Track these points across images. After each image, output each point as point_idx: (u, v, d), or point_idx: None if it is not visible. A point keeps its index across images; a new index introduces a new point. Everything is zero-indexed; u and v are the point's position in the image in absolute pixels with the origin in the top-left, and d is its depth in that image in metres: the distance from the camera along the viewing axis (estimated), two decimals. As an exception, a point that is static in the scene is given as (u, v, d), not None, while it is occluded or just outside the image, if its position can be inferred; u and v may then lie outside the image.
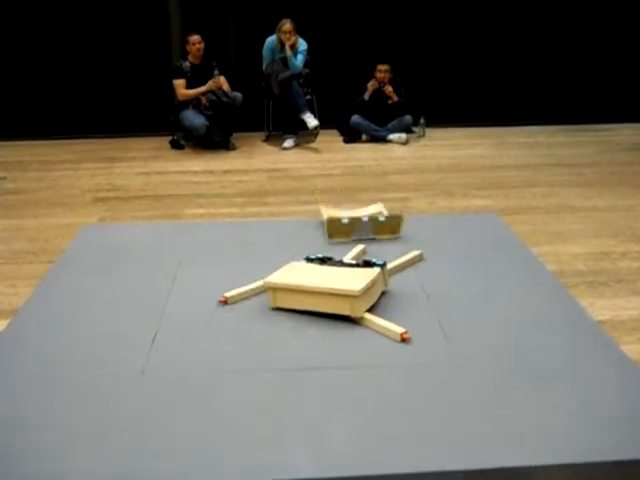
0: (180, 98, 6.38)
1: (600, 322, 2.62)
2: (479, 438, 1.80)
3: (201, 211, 4.50)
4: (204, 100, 6.30)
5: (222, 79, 6.36)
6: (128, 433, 1.81)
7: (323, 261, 2.66)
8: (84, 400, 1.96)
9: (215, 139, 6.40)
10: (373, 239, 3.22)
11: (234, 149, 6.39)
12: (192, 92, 6.34)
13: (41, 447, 1.75)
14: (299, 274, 2.52)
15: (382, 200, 4.37)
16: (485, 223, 3.58)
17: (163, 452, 1.73)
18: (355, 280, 2.39)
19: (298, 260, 2.70)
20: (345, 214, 3.35)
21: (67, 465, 1.69)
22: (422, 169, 5.60)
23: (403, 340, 2.22)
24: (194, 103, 6.36)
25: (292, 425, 1.84)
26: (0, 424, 1.86)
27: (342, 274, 2.50)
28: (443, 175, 5.39)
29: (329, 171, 5.58)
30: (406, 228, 3.33)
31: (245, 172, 5.59)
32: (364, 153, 6.26)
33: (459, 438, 1.79)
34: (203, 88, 6.30)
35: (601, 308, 2.91)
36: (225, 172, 5.59)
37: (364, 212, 3.39)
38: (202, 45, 6.39)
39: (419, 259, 2.97)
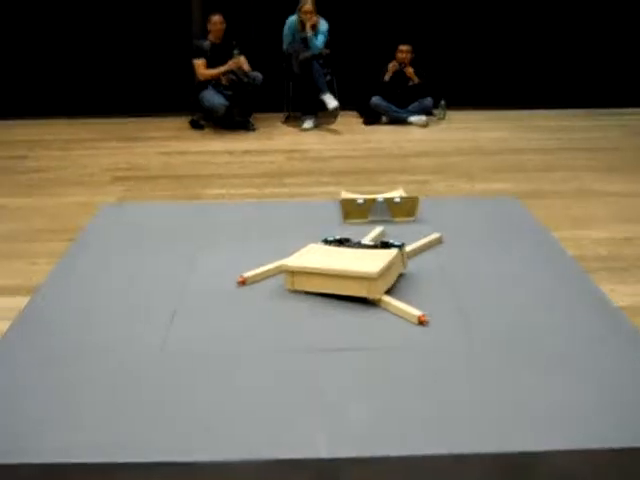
0: (200, 78, 6.37)
1: (621, 308, 2.59)
2: (495, 422, 1.79)
3: (220, 191, 4.51)
4: (224, 80, 6.29)
5: (242, 59, 6.34)
6: (144, 410, 1.82)
7: (341, 242, 2.65)
8: (102, 377, 1.97)
9: (235, 119, 6.39)
10: (390, 221, 3.21)
11: (254, 130, 6.38)
12: (212, 72, 6.32)
13: (60, 421, 1.77)
14: (316, 257, 2.52)
15: (402, 183, 4.36)
16: (505, 207, 3.55)
17: (179, 429, 1.75)
18: (373, 262, 2.38)
19: (316, 241, 2.70)
20: (362, 196, 3.34)
21: (85, 438, 1.70)
22: (442, 152, 5.57)
23: (421, 323, 2.21)
24: (214, 83, 6.34)
25: (309, 405, 1.84)
26: (20, 400, 1.88)
27: (360, 256, 2.49)
28: (463, 158, 5.35)
29: (349, 153, 5.56)
30: (425, 211, 3.32)
31: (264, 153, 5.58)
32: (384, 135, 6.23)
33: (475, 421, 1.79)
34: (223, 68, 6.29)
35: (622, 294, 2.88)
36: (244, 152, 5.59)
37: (381, 195, 3.37)
38: (224, 25, 6.36)
39: (438, 242, 2.96)
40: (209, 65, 6.35)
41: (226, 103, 6.25)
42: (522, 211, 3.48)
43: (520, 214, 3.43)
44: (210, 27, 6.38)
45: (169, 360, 2.06)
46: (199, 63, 6.35)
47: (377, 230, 3.02)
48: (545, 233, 3.15)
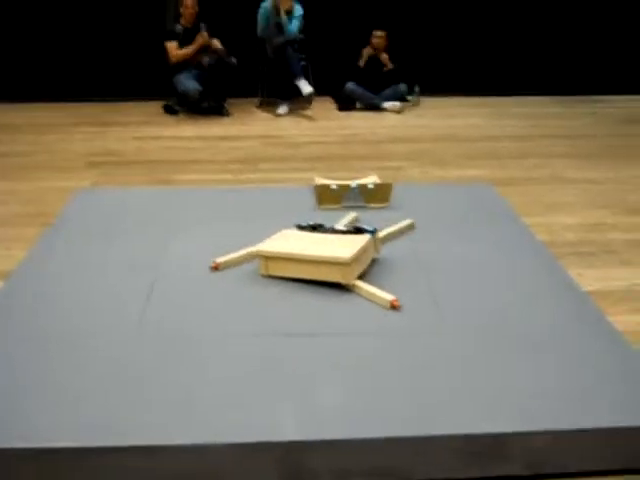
0: (172, 60, 6.33)
1: (588, 292, 2.65)
2: (464, 404, 1.84)
3: (194, 177, 4.50)
4: (205, 61, 6.26)
5: (215, 41, 6.33)
6: (118, 394, 1.84)
7: (314, 228, 2.68)
8: (78, 362, 1.98)
9: (209, 104, 6.38)
10: (363, 207, 3.25)
11: (228, 115, 6.37)
12: (184, 51, 6.30)
13: (37, 406, 1.78)
14: (290, 242, 2.55)
15: (376, 169, 4.39)
16: (478, 193, 3.61)
17: (151, 413, 1.77)
18: (346, 247, 2.41)
19: (289, 227, 2.73)
20: (335, 182, 3.37)
21: (61, 420, 1.72)
22: (416, 138, 5.60)
23: (393, 307, 2.25)
24: (193, 66, 6.32)
25: (279, 389, 1.87)
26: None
27: (333, 241, 2.52)
28: (437, 144, 5.39)
29: (323, 139, 5.58)
30: (399, 197, 3.36)
31: (239, 138, 5.58)
32: (358, 121, 6.25)
33: (445, 405, 1.83)
34: (192, 47, 6.27)
35: (590, 279, 2.93)
36: (219, 138, 5.58)
37: (355, 181, 3.40)
38: (196, 9, 6.34)
39: (411, 228, 3.00)
40: (180, 48, 6.33)
41: (200, 88, 6.23)
42: (495, 197, 3.53)
43: (493, 200, 3.48)
44: (182, 10, 6.35)
45: (143, 345, 2.08)
46: (171, 45, 6.32)
47: (351, 216, 3.06)
48: (517, 219, 3.21)
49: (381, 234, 2.74)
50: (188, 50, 6.27)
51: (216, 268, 2.55)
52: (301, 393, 1.90)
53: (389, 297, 2.30)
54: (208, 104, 6.36)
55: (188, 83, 6.23)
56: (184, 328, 2.21)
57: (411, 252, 2.77)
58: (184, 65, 6.33)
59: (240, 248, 2.70)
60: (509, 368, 2.03)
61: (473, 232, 2.99)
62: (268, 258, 2.49)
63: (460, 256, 2.76)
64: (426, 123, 6.14)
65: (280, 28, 6.37)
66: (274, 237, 2.62)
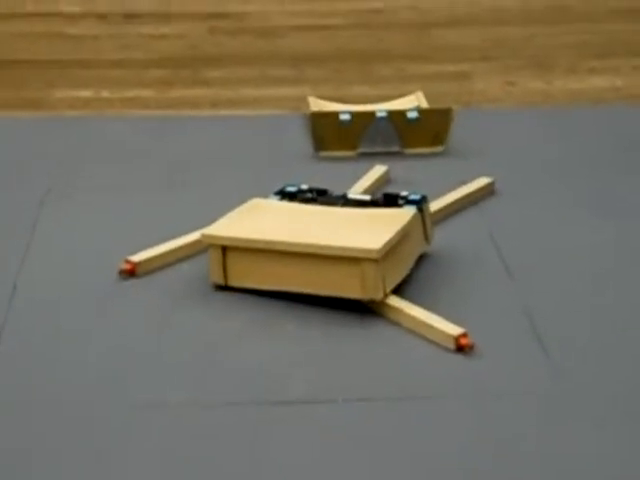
0: None
1: None
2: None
3: (85, 94, 4.47)
4: None
5: None
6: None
7: (311, 197, 2.66)
8: None
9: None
10: (399, 154, 3.21)
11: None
12: None
13: None
14: (267, 222, 2.52)
15: (420, 79, 4.35)
16: (611, 121, 3.58)
17: None
18: (370, 232, 2.39)
19: (265, 193, 2.70)
20: (348, 108, 3.32)
21: None
22: (496, 17, 5.57)
23: (460, 349, 2.23)
24: None
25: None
26: None
27: (346, 222, 2.51)
28: (534, 29, 5.36)
29: (321, 21, 5.55)
30: (464, 134, 3.31)
31: (167, 19, 5.54)
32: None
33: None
34: None
35: None
36: (127, 17, 5.56)
37: (383, 106, 3.36)
38: None
39: (488, 192, 2.97)
40: None
41: None
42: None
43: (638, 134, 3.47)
44: None
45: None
46: None
47: (377, 171, 3.03)
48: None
49: (435, 206, 2.73)
50: None
51: (131, 272, 2.52)
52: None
53: (453, 330, 2.28)
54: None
55: None
56: (72, 398, 2.16)
57: (489, 238, 2.76)
58: None
59: (175, 234, 2.67)
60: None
61: (607, 199, 2.98)
62: (228, 252, 2.47)
63: (584, 245, 2.74)
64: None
65: None
66: (238, 211, 2.61)
